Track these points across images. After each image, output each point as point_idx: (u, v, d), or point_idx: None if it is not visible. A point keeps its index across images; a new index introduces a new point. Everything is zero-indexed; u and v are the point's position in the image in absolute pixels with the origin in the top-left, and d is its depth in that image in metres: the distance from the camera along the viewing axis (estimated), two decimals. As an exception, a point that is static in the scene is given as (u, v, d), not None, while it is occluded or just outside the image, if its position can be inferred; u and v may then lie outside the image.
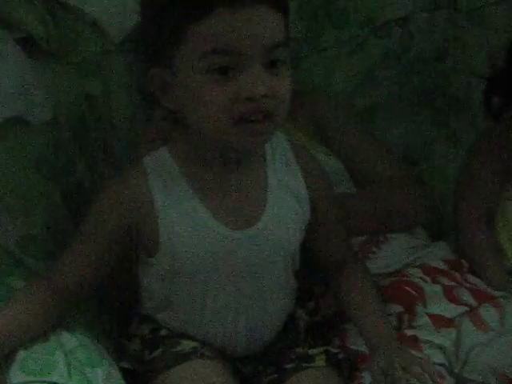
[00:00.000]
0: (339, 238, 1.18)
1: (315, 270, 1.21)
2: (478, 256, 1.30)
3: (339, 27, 1.56)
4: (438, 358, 1.16)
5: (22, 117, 1.17)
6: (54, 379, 0.95)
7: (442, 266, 1.30)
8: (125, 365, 1.13)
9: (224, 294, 1.09)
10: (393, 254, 1.34)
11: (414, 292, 1.23)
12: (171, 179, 1.05)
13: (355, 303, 1.15)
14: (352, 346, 1.19)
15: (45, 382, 0.94)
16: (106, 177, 1.30)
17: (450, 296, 1.23)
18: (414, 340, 1.17)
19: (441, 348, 1.17)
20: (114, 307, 1.22)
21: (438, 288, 1.24)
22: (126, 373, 1.10)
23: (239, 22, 0.95)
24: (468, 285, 1.26)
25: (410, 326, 1.19)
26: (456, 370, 1.16)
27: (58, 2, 1.34)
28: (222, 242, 1.05)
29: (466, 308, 1.21)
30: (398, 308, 1.22)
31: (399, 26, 1.59)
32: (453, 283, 1.25)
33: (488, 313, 1.20)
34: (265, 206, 1.07)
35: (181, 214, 1.05)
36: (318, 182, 1.13)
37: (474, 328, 1.18)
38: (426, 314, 1.21)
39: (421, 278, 1.26)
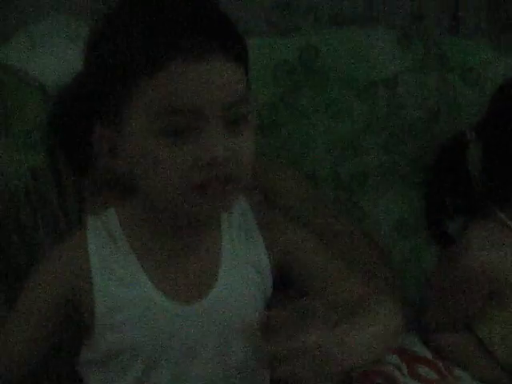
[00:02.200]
0: (342, 275, 1.05)
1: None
2: (463, 356, 1.21)
3: (319, 90, 1.51)
4: None
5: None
6: None
7: (425, 352, 1.20)
8: None
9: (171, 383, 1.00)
10: None
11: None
12: (114, 246, 1.00)
13: None
14: None
15: None
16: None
17: None
18: None
19: None
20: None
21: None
22: None
23: (195, 77, 0.89)
24: (451, 379, 1.15)
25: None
26: None
27: (5, 68, 1.31)
28: (166, 317, 0.98)
29: None
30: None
31: (386, 88, 1.52)
32: (435, 377, 1.15)
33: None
34: (216, 277, 1.01)
35: (120, 284, 0.99)
36: (288, 246, 1.05)
37: None
38: None
39: (396, 365, 1.16)
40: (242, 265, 1.02)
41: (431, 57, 1.55)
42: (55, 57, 1.37)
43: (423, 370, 1.17)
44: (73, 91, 1.12)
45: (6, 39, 1.40)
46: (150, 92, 0.89)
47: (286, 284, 1.07)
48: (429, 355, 1.21)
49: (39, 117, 1.31)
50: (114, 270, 0.99)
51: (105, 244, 0.99)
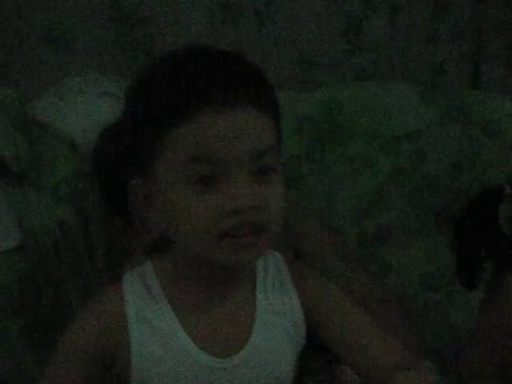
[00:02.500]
0: (377, 340, 1.04)
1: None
2: None
3: (343, 143, 1.54)
4: None
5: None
6: None
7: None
8: None
9: None
10: None
11: None
12: (150, 299, 1.00)
13: None
14: None
15: None
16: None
17: None
18: None
19: None
20: None
21: None
22: None
23: (221, 126, 0.91)
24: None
25: None
26: None
27: (35, 121, 1.34)
28: (202, 371, 0.98)
29: None
30: None
31: (409, 142, 1.55)
32: None
33: None
34: (252, 330, 1.00)
35: (157, 337, 0.99)
36: (320, 299, 1.04)
37: None
38: None
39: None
40: (276, 317, 1.02)
41: (453, 110, 1.57)
42: (84, 112, 1.40)
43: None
44: (111, 141, 1.16)
45: (38, 95, 1.44)
46: (179, 142, 0.92)
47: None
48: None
49: (68, 170, 1.34)
50: (150, 322, 0.99)
51: (141, 296, 1.00)
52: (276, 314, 1.02)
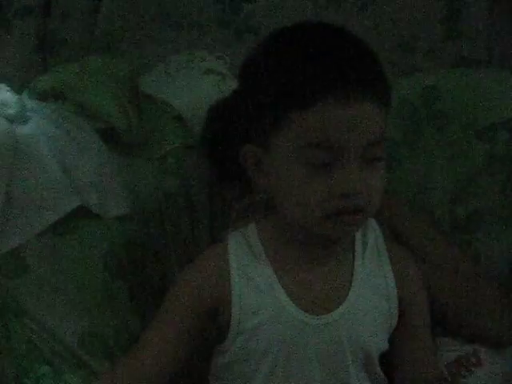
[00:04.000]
0: (427, 352, 1.15)
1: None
2: None
3: (440, 129, 1.56)
4: None
5: (91, 209, 1.22)
6: None
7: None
8: None
9: None
10: (488, 380, 1.27)
11: None
12: (252, 257, 1.09)
13: None
14: None
15: None
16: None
17: None
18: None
19: None
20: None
21: None
22: None
23: (344, 117, 0.99)
24: None
25: None
26: None
27: (145, 95, 1.41)
28: (293, 325, 1.06)
29: None
30: None
31: (506, 130, 1.56)
32: None
33: None
34: (346, 295, 1.08)
35: (256, 291, 1.07)
36: (410, 283, 1.13)
37: None
38: None
39: None
40: (371, 288, 1.09)
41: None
42: (189, 88, 1.47)
43: None
44: (228, 107, 1.22)
45: (147, 70, 1.51)
46: (300, 125, 1.00)
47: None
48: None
49: (175, 143, 1.40)
50: (251, 277, 1.07)
51: (244, 254, 1.09)
52: (372, 285, 1.10)
